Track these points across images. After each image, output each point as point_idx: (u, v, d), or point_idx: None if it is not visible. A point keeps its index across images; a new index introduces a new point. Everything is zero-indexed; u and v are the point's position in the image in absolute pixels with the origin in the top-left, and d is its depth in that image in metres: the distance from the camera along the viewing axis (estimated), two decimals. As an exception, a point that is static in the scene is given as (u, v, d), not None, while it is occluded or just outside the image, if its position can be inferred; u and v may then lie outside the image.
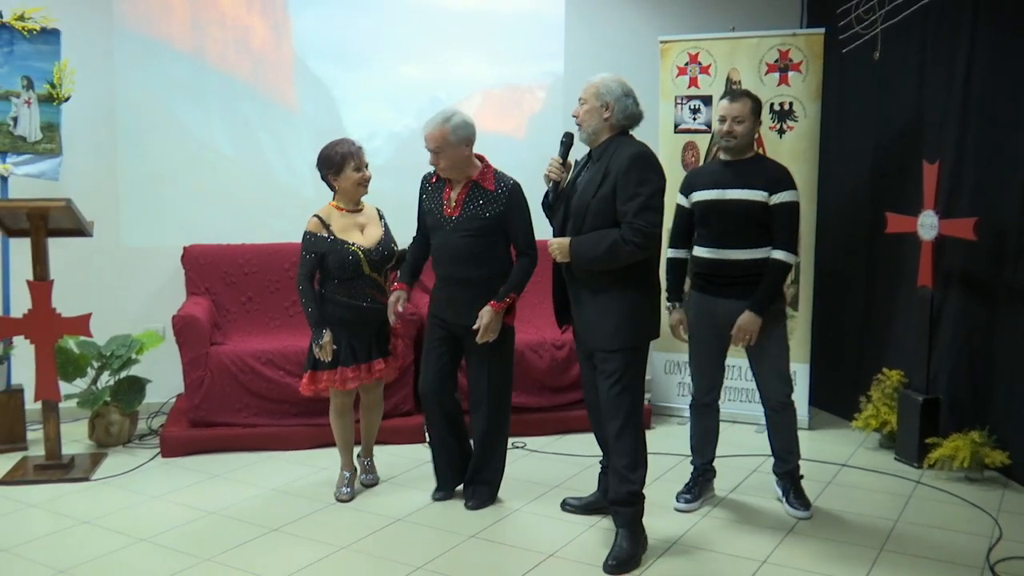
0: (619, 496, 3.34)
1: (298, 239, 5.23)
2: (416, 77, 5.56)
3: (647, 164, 3.25)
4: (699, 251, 3.80)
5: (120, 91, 5.20)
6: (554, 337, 5.01)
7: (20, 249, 4.56)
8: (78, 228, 4.29)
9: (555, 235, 3.47)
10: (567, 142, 3.52)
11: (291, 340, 4.83)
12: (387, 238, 4.01)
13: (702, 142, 5.24)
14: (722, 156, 3.81)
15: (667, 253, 3.92)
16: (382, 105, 5.53)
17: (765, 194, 3.63)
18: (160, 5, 5.23)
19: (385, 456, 4.52)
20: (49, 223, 4.16)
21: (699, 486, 3.96)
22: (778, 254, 3.65)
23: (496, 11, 5.64)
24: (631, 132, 3.41)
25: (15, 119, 4.69)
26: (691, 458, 4.04)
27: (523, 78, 5.72)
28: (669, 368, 5.38)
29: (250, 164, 5.38)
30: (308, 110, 5.47)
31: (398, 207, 5.55)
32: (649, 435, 4.89)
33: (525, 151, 5.72)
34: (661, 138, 5.33)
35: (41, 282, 4.12)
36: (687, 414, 5.25)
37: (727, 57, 5.18)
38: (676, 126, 5.30)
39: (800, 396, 5.12)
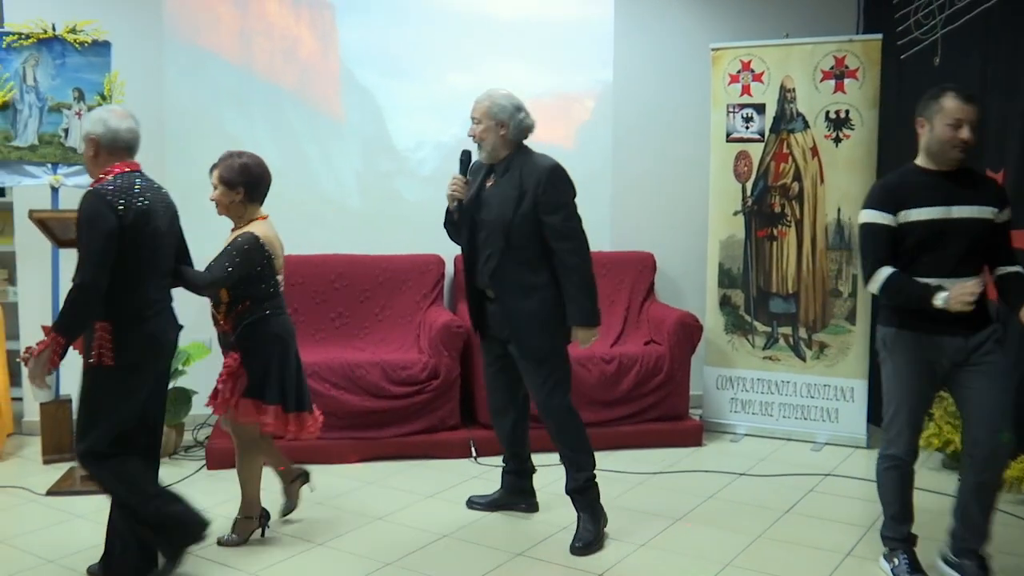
0: (576, 484, 3.62)
1: (345, 250, 5.32)
2: (463, 86, 5.54)
3: (563, 177, 3.50)
4: (923, 281, 3.12)
5: (169, 102, 5.28)
6: (603, 351, 4.98)
7: (70, 259, 4.62)
8: (127, 239, 4.34)
9: (465, 249, 3.67)
10: (466, 160, 3.67)
11: (337, 353, 4.85)
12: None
13: (755, 151, 5.18)
14: (933, 166, 3.18)
15: (883, 273, 3.17)
16: (428, 115, 5.55)
17: (994, 210, 3.12)
18: (209, 16, 5.30)
19: (431, 471, 4.51)
20: (98, 234, 4.22)
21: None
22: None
23: (544, 19, 5.64)
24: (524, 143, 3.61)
25: (66, 131, 4.76)
26: (886, 527, 3.35)
27: (572, 87, 5.70)
28: (721, 383, 5.31)
29: (296, 174, 5.42)
30: (354, 120, 5.51)
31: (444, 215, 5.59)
32: (701, 453, 4.88)
33: (574, 160, 5.52)
34: (713, 147, 5.28)
35: None
36: (740, 431, 5.22)
37: (781, 64, 5.11)
38: (728, 135, 5.25)
39: (858, 414, 5.03)
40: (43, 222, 4.17)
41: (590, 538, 3.57)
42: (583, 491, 3.64)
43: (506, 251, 3.51)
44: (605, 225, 5.74)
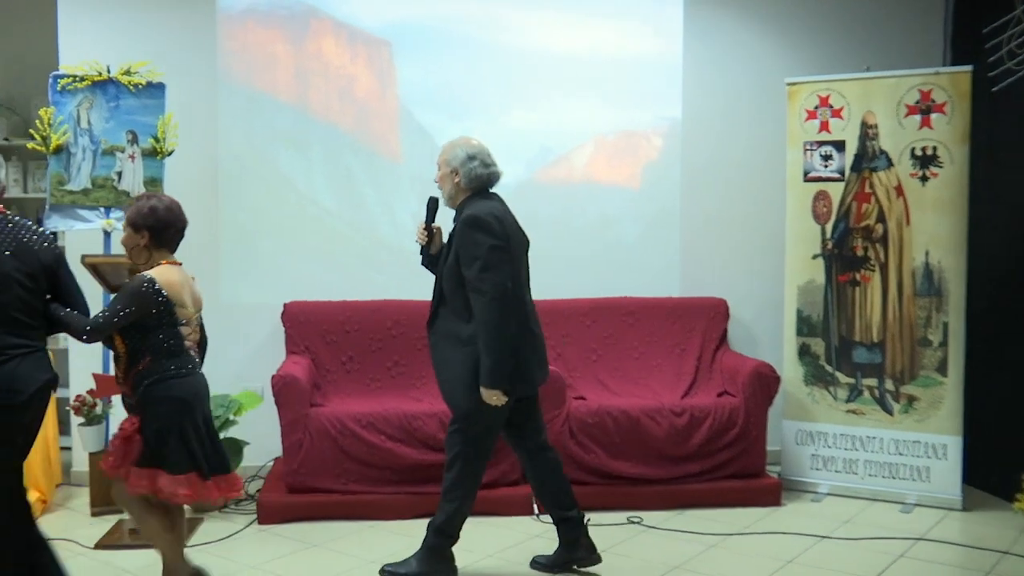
0: (438, 522, 3.84)
1: (402, 296, 5.39)
2: (524, 125, 5.65)
3: (475, 226, 3.63)
4: None
5: (223, 144, 5.44)
6: (673, 403, 4.97)
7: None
8: (179, 284, 4.46)
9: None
10: (432, 206, 3.92)
11: (393, 403, 4.91)
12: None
13: (835, 191, 5.16)
14: None
15: None
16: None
17: None
18: (265, 57, 5.48)
19: (491, 529, 4.52)
20: (151, 279, 4.35)
21: None
22: None
23: (609, 54, 5.70)
24: (491, 189, 3.85)
25: (119, 174, 4.94)
26: None
27: (638, 124, 5.75)
28: (801, 438, 5.25)
29: (352, 217, 5.54)
30: (412, 161, 5.61)
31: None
32: (779, 513, 4.81)
33: (641, 201, 5.74)
34: (789, 187, 5.27)
35: None
36: (821, 490, 5.13)
37: (862, 99, 5.10)
38: (806, 174, 5.24)
39: (952, 473, 4.92)
40: (95, 267, 4.32)
41: (402, 570, 3.82)
42: (438, 533, 3.83)
43: (441, 301, 3.78)
44: (674, 269, 5.75)
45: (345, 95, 5.56)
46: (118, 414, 4.72)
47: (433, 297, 3.85)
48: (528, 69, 5.65)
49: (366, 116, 5.58)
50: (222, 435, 4.86)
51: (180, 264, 3.55)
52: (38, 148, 4.89)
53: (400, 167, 5.60)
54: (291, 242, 5.49)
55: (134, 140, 4.96)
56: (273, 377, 4.70)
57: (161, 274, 3.41)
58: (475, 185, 3.79)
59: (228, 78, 5.45)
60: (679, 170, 5.76)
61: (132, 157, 4.96)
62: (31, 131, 4.95)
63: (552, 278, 5.52)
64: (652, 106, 5.75)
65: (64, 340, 5.65)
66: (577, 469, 4.78)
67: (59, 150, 4.86)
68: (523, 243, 3.88)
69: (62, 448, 5.33)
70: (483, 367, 3.60)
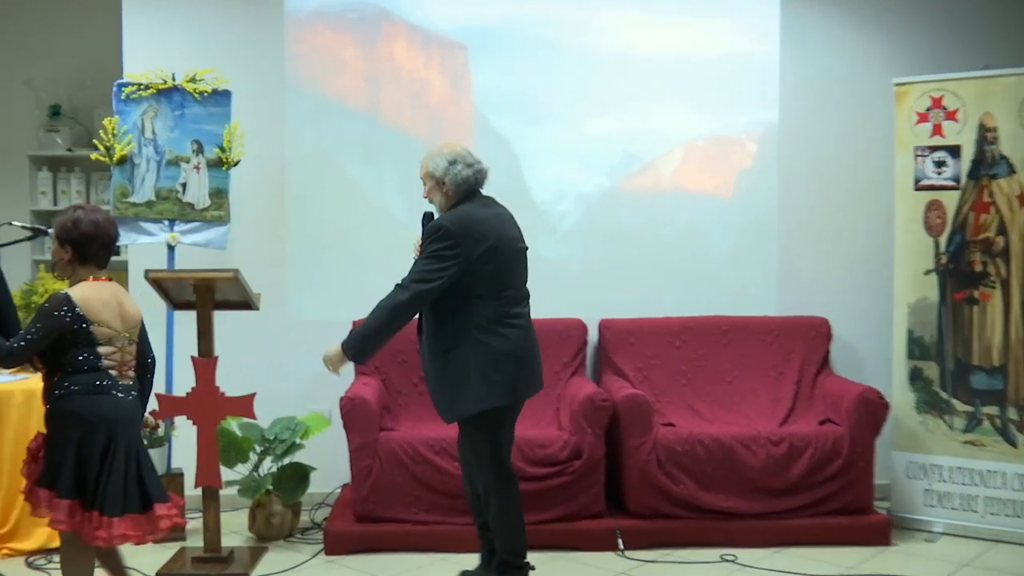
0: (502, 559, 3.95)
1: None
2: (608, 131, 5.62)
3: (437, 232, 3.79)
4: None
5: (290, 153, 5.51)
6: (770, 431, 4.88)
7: (185, 322, 4.83)
8: (244, 301, 4.52)
9: None
10: (426, 222, 3.98)
11: (467, 427, 4.89)
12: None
13: (949, 200, 5.02)
14: None
15: None
16: (569, 163, 5.62)
17: None
18: (334, 61, 5.54)
19: (572, 565, 4.48)
20: (215, 295, 4.41)
21: None
22: None
23: (700, 55, 5.64)
24: (480, 190, 3.98)
25: (184, 185, 5.06)
26: None
27: (731, 129, 5.68)
28: (912, 471, 5.09)
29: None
30: (492, 172, 5.59)
31: (585, 275, 5.60)
32: (888, 554, 4.68)
33: (734, 211, 5.67)
34: (898, 196, 5.15)
35: (206, 358, 4.36)
36: (936, 528, 4.98)
37: (979, 100, 4.96)
38: (916, 182, 5.10)
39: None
40: (159, 283, 4.41)
41: None
42: (505, 568, 3.92)
43: (428, 308, 3.90)
44: (771, 286, 5.65)
45: (418, 101, 5.59)
46: (183, 436, 4.81)
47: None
48: (612, 72, 5.62)
49: (439, 123, 5.59)
50: (287, 460, 4.93)
51: (109, 280, 3.48)
52: (101, 159, 5.03)
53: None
54: (360, 255, 5.52)
55: (199, 150, 5.07)
56: (341, 399, 4.73)
57: (80, 291, 3.36)
58: (463, 189, 3.90)
59: (296, 84, 5.52)
60: (775, 177, 5.67)
61: (197, 168, 5.07)
62: (95, 141, 5.08)
63: (637, 294, 5.57)
64: (746, 109, 5.68)
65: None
66: (665, 501, 4.73)
67: (123, 161, 5.00)
68: (514, 248, 3.95)
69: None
70: (353, 331, 3.95)
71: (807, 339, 5.45)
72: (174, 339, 5.06)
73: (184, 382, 4.50)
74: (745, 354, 5.43)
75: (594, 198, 5.63)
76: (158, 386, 4.83)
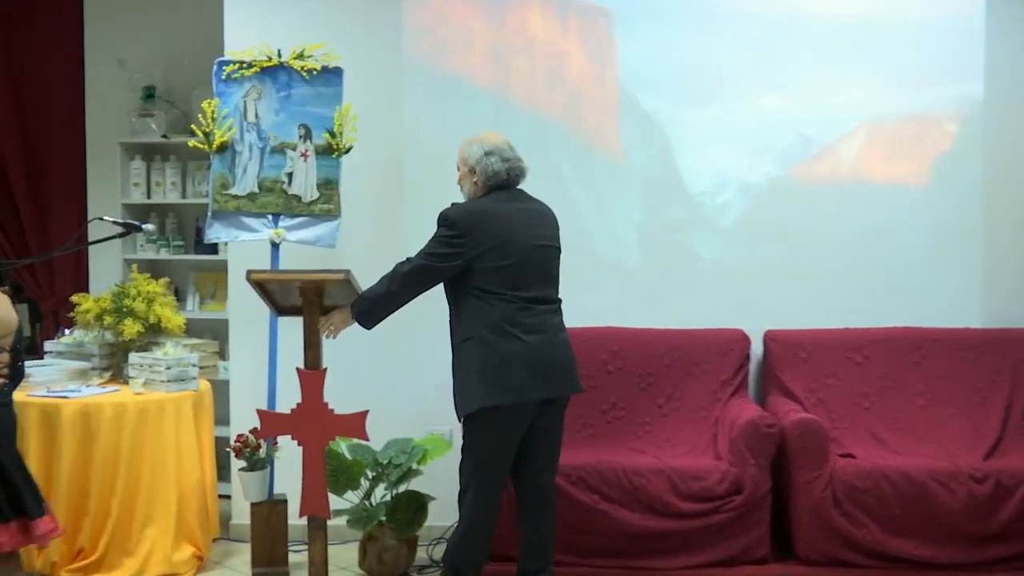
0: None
1: (621, 323, 5.35)
2: (777, 110, 5.54)
3: (441, 218, 4.19)
4: None
5: (410, 138, 5.56)
6: (971, 465, 4.74)
7: (290, 329, 4.90)
8: (356, 305, 4.56)
9: None
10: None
11: (609, 454, 4.86)
12: None
13: None
14: None
15: None
16: (731, 148, 5.55)
17: None
18: (458, 34, 5.57)
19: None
20: (324, 299, 4.45)
21: None
22: None
23: (886, 19, 5.50)
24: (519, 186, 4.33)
25: (290, 175, 5.14)
26: None
27: (925, 106, 5.53)
28: None
29: (562, 225, 5.51)
30: (635, 156, 5.57)
31: (749, 278, 5.49)
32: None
33: (930, 205, 5.52)
34: None
35: (313, 371, 4.34)
36: None
37: None
38: None
39: None
40: (262, 285, 4.47)
41: None
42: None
43: (450, 302, 4.27)
44: (974, 292, 5.49)
45: (553, 78, 5.58)
46: (288, 457, 4.88)
47: None
48: (782, 41, 5.52)
49: (579, 103, 5.58)
50: (403, 487, 4.94)
51: None
52: (200, 146, 5.15)
53: (620, 164, 5.55)
54: None
55: (307, 135, 5.15)
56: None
57: None
58: (492, 182, 4.21)
59: (415, 60, 5.56)
60: (980, 164, 5.50)
61: (305, 155, 5.14)
62: (192, 126, 5.21)
63: (810, 302, 5.48)
64: (944, 83, 5.51)
65: (225, 369, 5.91)
66: (842, 547, 4.63)
67: (223, 148, 5.10)
68: (533, 246, 4.18)
69: (221, 496, 5.53)
70: (361, 294, 4.29)
71: (1018, 357, 5.30)
72: (278, 349, 5.14)
73: (288, 398, 4.55)
74: (941, 374, 5.29)
75: (761, 189, 5.55)
76: (259, 400, 4.96)
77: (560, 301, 4.25)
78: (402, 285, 4.19)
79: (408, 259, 4.23)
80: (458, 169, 4.33)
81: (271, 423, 4.53)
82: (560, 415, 4.26)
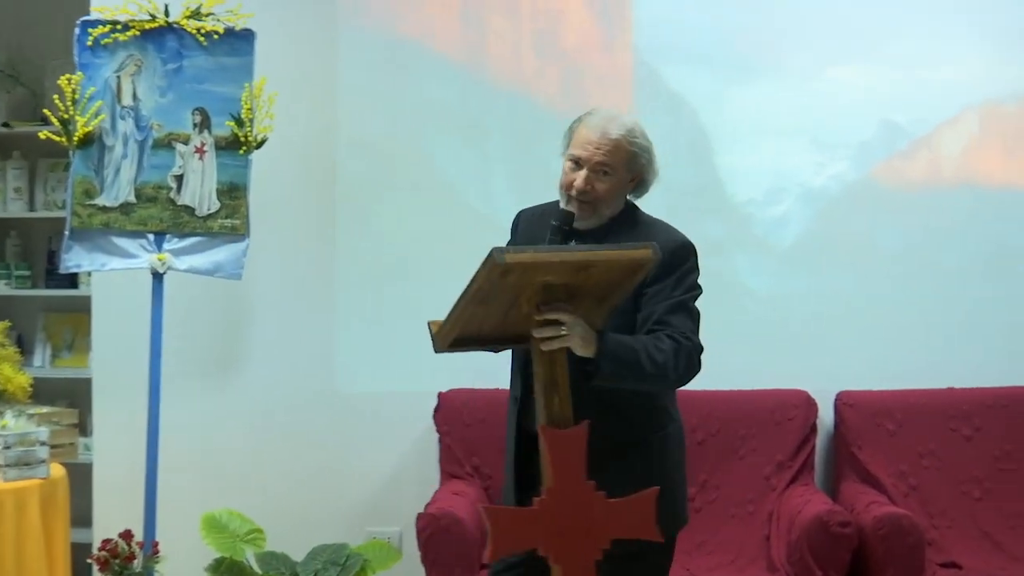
0: None
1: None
2: (854, 90, 5.61)
3: (686, 252, 3.92)
4: None
5: (346, 129, 5.58)
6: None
7: (177, 391, 4.89)
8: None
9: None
10: (563, 229, 3.75)
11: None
12: None
13: None
14: None
15: None
16: (789, 141, 5.62)
17: None
18: (415, -14, 5.61)
19: None
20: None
21: None
22: None
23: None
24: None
25: (179, 178, 5.10)
26: None
27: (1057, 84, 5.59)
28: None
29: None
30: (657, 152, 5.56)
31: (816, 320, 5.54)
32: None
33: None
34: None
35: (570, 430, 3.38)
36: None
37: None
38: None
39: None
40: (505, 275, 3.80)
41: None
42: None
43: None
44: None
45: (545, 44, 5.63)
46: (176, 572, 4.87)
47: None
48: (853, -1, 5.60)
49: (579, 79, 5.63)
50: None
51: None
52: (55, 138, 5.06)
53: None
54: (452, 287, 5.48)
55: (205, 123, 5.10)
56: (420, 517, 4.74)
57: None
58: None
59: (355, 20, 5.59)
60: None
61: (201, 150, 5.10)
62: (45, 111, 5.19)
63: (899, 353, 5.54)
64: None
65: (86, 449, 5.85)
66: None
67: (88, 141, 5.03)
68: None
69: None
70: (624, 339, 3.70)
71: None
72: (160, 419, 5.01)
73: (179, 489, 4.59)
74: None
75: (831, 197, 5.61)
76: (133, 492, 4.93)
77: None
78: (675, 371, 3.67)
79: (684, 336, 3.74)
80: (601, 165, 3.74)
81: (510, 525, 3.33)
82: None
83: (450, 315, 3.41)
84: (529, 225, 3.97)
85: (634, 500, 3.45)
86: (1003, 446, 5.32)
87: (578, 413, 3.42)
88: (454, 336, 3.47)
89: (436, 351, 3.50)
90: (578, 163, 3.71)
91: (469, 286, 3.28)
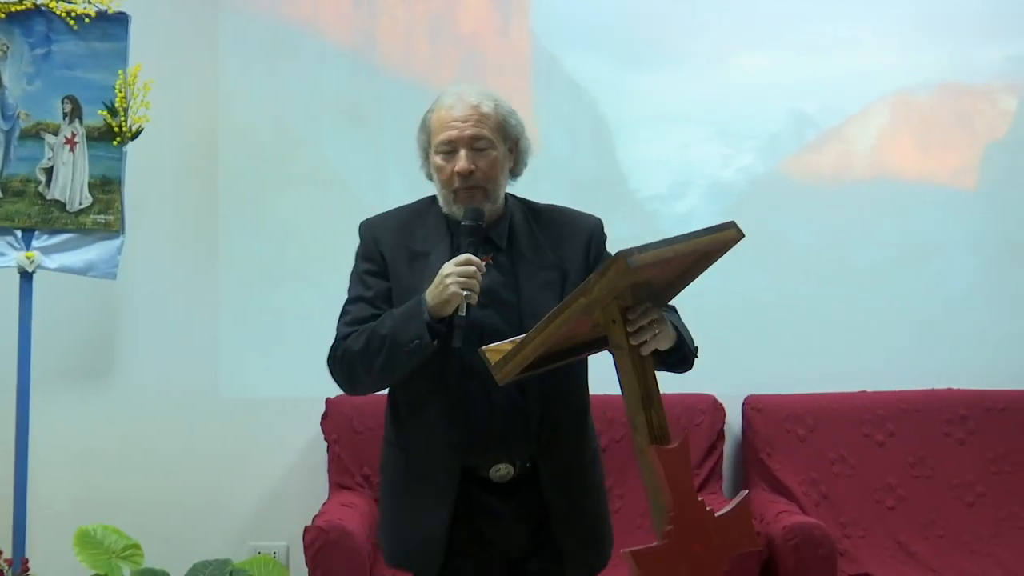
0: None
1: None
2: (761, 78, 5.73)
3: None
4: None
5: (227, 118, 5.67)
6: None
7: (51, 405, 5.02)
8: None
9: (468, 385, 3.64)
10: (475, 230, 3.65)
11: None
12: None
13: None
14: None
15: None
16: (694, 131, 5.74)
17: None
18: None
19: None
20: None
21: None
22: None
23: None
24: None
25: (49, 171, 5.18)
26: None
27: (974, 72, 5.73)
28: None
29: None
30: (556, 143, 5.70)
31: (722, 322, 5.61)
32: None
33: (978, 210, 5.74)
34: None
35: (673, 447, 3.27)
36: None
37: None
38: None
39: None
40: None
41: None
42: None
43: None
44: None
45: (440, 30, 5.73)
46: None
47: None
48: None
49: (475, 66, 5.73)
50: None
51: None
52: (-95, 130, 5.13)
53: (534, 155, 5.09)
54: (339, 288, 5.60)
55: (75, 112, 5.20)
56: (307, 530, 4.80)
57: None
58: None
59: (237, 3, 5.67)
60: (1050, 156, 5.66)
61: (72, 142, 5.19)
62: None
63: (811, 355, 5.66)
64: (1000, 40, 5.72)
65: None
66: None
67: (-54, 132, 5.10)
68: None
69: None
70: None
71: None
72: (29, 443, 5.08)
73: (51, 522, 4.71)
74: (1001, 456, 5.46)
75: (738, 191, 5.75)
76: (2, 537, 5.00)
77: None
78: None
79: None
80: (475, 140, 3.65)
81: (657, 566, 3.23)
82: None
83: (535, 334, 3.18)
84: (404, 236, 3.89)
85: (734, 512, 3.35)
86: (917, 452, 5.44)
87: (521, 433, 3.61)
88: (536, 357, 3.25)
89: (500, 382, 3.25)
90: (451, 148, 3.64)
91: (575, 297, 3.10)
